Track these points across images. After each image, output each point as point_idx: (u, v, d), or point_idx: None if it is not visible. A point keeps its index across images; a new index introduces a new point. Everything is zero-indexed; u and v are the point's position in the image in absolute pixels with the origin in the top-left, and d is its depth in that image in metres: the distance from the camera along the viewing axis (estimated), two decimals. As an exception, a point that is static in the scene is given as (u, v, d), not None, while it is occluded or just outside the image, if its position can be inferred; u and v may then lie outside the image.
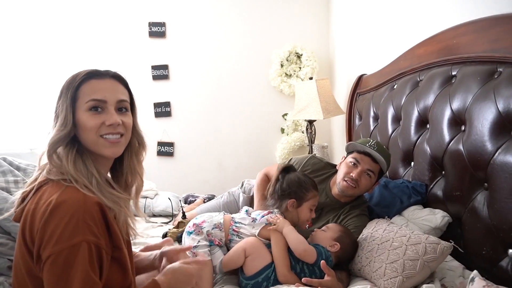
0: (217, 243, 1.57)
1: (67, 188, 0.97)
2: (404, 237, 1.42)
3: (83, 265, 0.90)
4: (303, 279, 1.41)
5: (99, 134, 1.06)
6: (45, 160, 1.05)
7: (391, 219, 1.76)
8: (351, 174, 1.75)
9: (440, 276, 1.38)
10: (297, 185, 1.61)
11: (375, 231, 1.57)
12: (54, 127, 1.04)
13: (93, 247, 0.93)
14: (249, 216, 1.63)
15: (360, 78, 2.75)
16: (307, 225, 1.67)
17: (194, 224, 1.61)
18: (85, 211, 0.94)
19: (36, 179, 1.05)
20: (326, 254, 1.49)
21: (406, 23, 2.17)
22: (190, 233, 1.59)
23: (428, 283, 1.31)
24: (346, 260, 1.56)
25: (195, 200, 2.63)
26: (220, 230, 1.59)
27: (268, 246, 1.55)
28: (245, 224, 1.60)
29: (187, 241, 1.59)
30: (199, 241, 1.55)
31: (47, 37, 3.14)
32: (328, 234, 1.57)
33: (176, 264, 1.19)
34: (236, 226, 1.60)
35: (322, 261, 1.43)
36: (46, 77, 3.11)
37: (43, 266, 0.90)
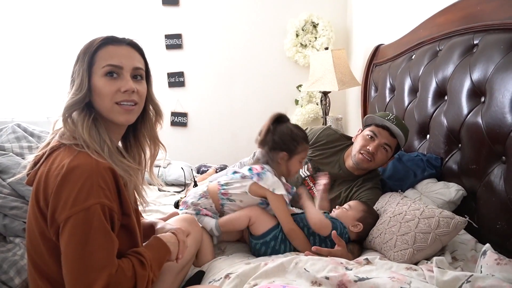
0: (204, 213, 1.57)
1: (80, 153, 0.98)
2: (417, 210, 1.40)
3: (101, 224, 0.93)
4: (312, 247, 1.42)
5: (114, 101, 1.06)
6: (59, 125, 1.07)
7: (404, 192, 1.74)
8: (367, 147, 1.73)
9: (452, 249, 1.37)
10: (289, 138, 1.57)
11: (388, 205, 1.56)
12: (70, 91, 1.05)
13: (107, 210, 0.96)
14: (238, 173, 1.60)
15: (377, 49, 2.67)
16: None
17: (182, 202, 1.63)
18: (98, 175, 0.95)
19: (48, 144, 1.06)
20: (342, 230, 1.49)
21: (427, -10, 2.07)
22: (181, 210, 1.61)
23: (439, 256, 1.30)
24: (364, 237, 1.56)
25: (208, 170, 2.65)
26: (206, 198, 1.59)
27: (260, 203, 1.56)
28: (232, 183, 1.58)
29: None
30: (185, 213, 1.56)
31: (62, 6, 3.11)
32: (350, 213, 1.55)
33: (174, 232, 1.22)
34: (224, 189, 1.58)
35: (333, 231, 1.44)
36: (61, 46, 3.11)
37: (62, 229, 0.92)
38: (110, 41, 1.08)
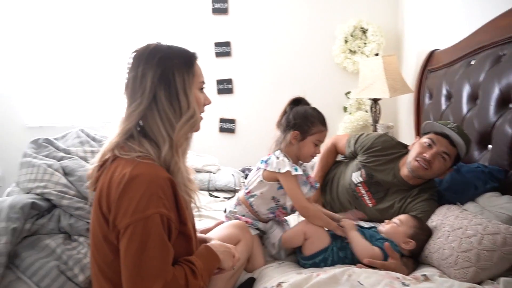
0: (244, 220, 1.58)
1: (141, 162, 1.01)
2: (479, 225, 1.32)
3: (159, 233, 0.96)
4: (364, 259, 1.38)
5: (201, 113, 1.13)
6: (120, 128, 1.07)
7: (463, 205, 1.66)
8: (424, 155, 1.67)
9: (520, 268, 1.28)
10: (302, 117, 1.55)
11: (446, 218, 1.48)
12: (175, 110, 1.05)
13: (165, 219, 0.98)
14: (257, 169, 1.62)
15: (431, 54, 2.57)
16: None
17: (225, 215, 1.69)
18: (157, 185, 0.98)
19: (108, 151, 1.08)
20: (393, 248, 1.43)
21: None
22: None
23: (506, 276, 1.21)
24: (418, 254, 1.49)
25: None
26: (240, 204, 1.63)
27: (279, 188, 1.55)
28: (251, 179, 1.61)
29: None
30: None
31: (115, 16, 3.27)
32: (401, 229, 1.48)
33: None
34: (247, 188, 1.61)
35: (386, 243, 1.39)
36: (114, 54, 3.27)
37: (122, 235, 0.96)
38: (197, 56, 1.14)
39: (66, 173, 1.56)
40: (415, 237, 1.46)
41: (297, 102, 1.62)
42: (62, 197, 1.46)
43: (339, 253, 1.47)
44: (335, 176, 2.08)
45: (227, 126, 3.39)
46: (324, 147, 2.06)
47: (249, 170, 2.72)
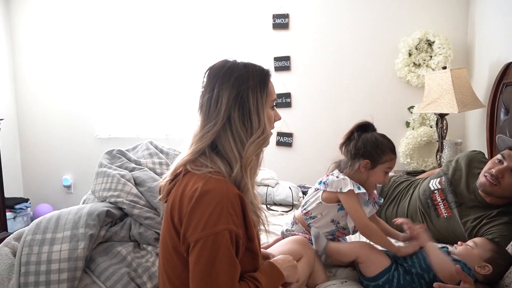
0: (308, 237, 1.57)
1: (211, 178, 1.02)
2: None
3: (228, 249, 0.97)
4: (434, 283, 1.30)
5: (272, 128, 1.13)
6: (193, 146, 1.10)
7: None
8: (491, 170, 1.61)
9: None
10: (373, 145, 1.49)
11: (530, 244, 1.36)
12: (247, 126, 1.06)
13: (234, 236, 0.99)
14: (315, 190, 1.60)
15: (508, 67, 2.40)
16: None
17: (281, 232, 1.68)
18: (228, 201, 0.99)
19: (181, 166, 1.10)
20: (467, 272, 1.33)
21: None
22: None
23: None
24: (495, 281, 1.38)
25: (307, 190, 2.64)
26: (296, 223, 1.62)
27: (340, 209, 1.51)
28: (310, 200, 1.58)
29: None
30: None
31: (181, 31, 3.43)
32: (476, 251, 1.37)
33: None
34: (305, 209, 1.59)
35: (457, 266, 1.29)
36: (178, 70, 3.42)
37: (192, 249, 0.98)
38: (270, 73, 1.15)
39: (137, 183, 1.64)
40: (492, 261, 1.34)
41: (365, 127, 1.56)
42: (133, 206, 1.54)
43: (406, 276, 1.39)
44: (409, 186, 2.02)
45: (284, 140, 3.40)
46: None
47: (305, 187, 2.70)
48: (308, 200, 1.61)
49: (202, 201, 0.98)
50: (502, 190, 1.61)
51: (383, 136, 1.55)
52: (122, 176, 1.62)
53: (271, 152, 3.39)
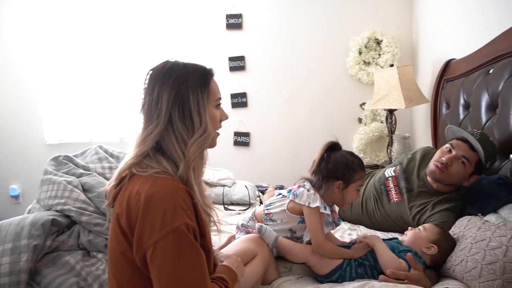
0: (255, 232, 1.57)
1: (157, 178, 1.00)
2: (503, 237, 1.28)
3: (191, 243, 0.96)
4: (388, 270, 1.36)
5: (217, 129, 1.14)
6: (137, 148, 1.08)
7: (484, 217, 1.61)
8: (441, 158, 1.72)
9: (548, 282, 1.23)
10: (344, 166, 1.51)
11: (467, 230, 1.45)
12: (189, 126, 1.05)
13: (191, 229, 0.98)
14: (280, 194, 1.63)
15: (448, 64, 2.54)
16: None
17: (236, 226, 1.70)
18: (178, 197, 0.98)
19: (126, 169, 1.08)
20: (416, 259, 1.41)
21: None
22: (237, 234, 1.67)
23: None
24: (441, 264, 1.46)
25: (266, 189, 2.67)
26: (253, 220, 1.64)
27: (300, 222, 1.54)
28: (274, 203, 1.60)
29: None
30: (239, 237, 1.59)
31: (132, 32, 3.35)
32: (424, 234, 1.48)
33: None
34: (267, 209, 1.61)
35: (409, 254, 1.36)
36: (130, 71, 3.34)
37: (152, 254, 0.94)
38: (213, 73, 1.15)
39: (85, 189, 1.59)
40: (437, 243, 1.44)
41: (333, 147, 1.58)
42: (81, 213, 1.48)
43: (358, 269, 1.44)
44: (366, 176, 2.11)
45: (242, 139, 3.40)
46: None
47: (262, 187, 2.72)
48: (273, 203, 1.62)
49: (151, 203, 0.96)
50: (449, 177, 1.71)
51: (352, 154, 1.58)
52: (69, 182, 1.56)
53: (229, 152, 3.40)
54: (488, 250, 1.28)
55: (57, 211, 1.49)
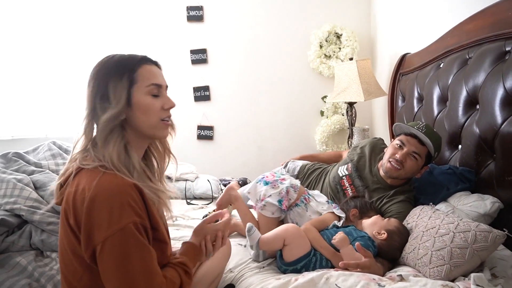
0: (284, 207, 1.68)
1: (105, 174, 0.99)
2: (451, 224, 1.36)
3: (138, 241, 0.96)
4: (340, 263, 1.40)
5: (160, 118, 1.11)
6: (80, 144, 1.08)
7: (436, 206, 1.69)
8: (395, 156, 1.76)
9: (490, 265, 1.31)
10: (362, 204, 1.73)
11: (420, 219, 1.52)
12: (102, 106, 1.05)
13: (140, 226, 0.98)
14: (323, 197, 1.80)
15: (403, 58, 2.63)
16: None
17: (274, 180, 1.73)
18: (126, 193, 0.97)
19: (72, 163, 1.07)
20: (370, 246, 1.46)
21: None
22: (267, 183, 1.72)
23: (477, 272, 1.25)
24: (388, 257, 1.51)
25: (229, 182, 2.67)
26: (295, 191, 1.72)
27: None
28: (317, 200, 1.75)
29: (258, 188, 1.72)
30: (271, 195, 1.67)
31: (89, 25, 3.22)
32: (383, 223, 1.57)
33: (200, 224, 1.28)
34: (308, 196, 1.75)
35: (357, 243, 1.40)
36: (89, 62, 3.21)
37: (100, 252, 0.94)
38: (146, 60, 1.12)
39: (37, 187, 1.52)
40: (389, 233, 1.50)
41: (356, 197, 1.82)
42: (33, 212, 1.42)
43: (323, 262, 1.47)
44: (321, 174, 2.13)
45: (205, 133, 3.38)
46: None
47: (225, 180, 2.72)
48: (317, 198, 1.78)
49: (98, 200, 0.95)
50: (405, 172, 1.77)
51: (371, 202, 1.80)
52: (19, 180, 1.49)
53: (192, 145, 3.36)
54: (437, 237, 1.35)
55: (6, 210, 1.42)
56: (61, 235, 1.05)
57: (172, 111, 1.17)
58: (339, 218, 1.70)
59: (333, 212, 1.71)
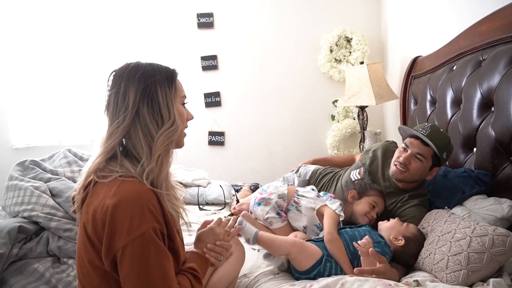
0: (284, 217, 1.73)
1: (123, 182, 1.00)
2: (468, 228, 1.34)
3: (158, 247, 0.97)
4: (354, 269, 1.38)
5: (185, 127, 1.15)
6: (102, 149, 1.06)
7: (451, 209, 1.67)
8: (399, 158, 1.76)
9: (510, 270, 1.29)
10: (362, 184, 1.77)
11: (435, 223, 1.50)
12: (157, 120, 1.05)
13: (159, 232, 0.99)
14: (314, 192, 1.79)
15: (415, 61, 2.61)
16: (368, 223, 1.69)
17: (262, 198, 1.77)
18: (146, 199, 0.98)
19: (91, 173, 1.06)
20: (387, 253, 1.44)
21: (466, -1, 2.02)
22: (258, 204, 1.76)
23: (496, 277, 1.22)
24: (402, 262, 1.50)
25: (241, 188, 2.67)
26: (284, 200, 1.75)
27: (317, 227, 1.69)
28: (307, 197, 1.75)
29: (256, 211, 1.77)
30: (267, 212, 1.72)
31: (102, 32, 3.26)
32: (401, 228, 1.54)
33: (198, 234, 1.28)
34: (298, 198, 1.76)
35: (371, 249, 1.38)
36: (102, 71, 3.26)
37: (121, 258, 0.95)
38: (177, 72, 1.15)
39: (53, 194, 1.54)
40: (407, 240, 1.48)
41: None
42: (50, 219, 1.44)
43: (338, 268, 1.46)
44: (333, 178, 2.12)
45: (216, 139, 3.39)
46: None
47: (237, 186, 2.73)
48: (306, 196, 1.77)
49: (119, 207, 0.95)
50: (411, 175, 1.76)
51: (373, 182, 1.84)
52: (36, 188, 1.51)
53: (203, 152, 3.38)
54: (454, 242, 1.33)
55: (24, 217, 1.44)
56: (79, 245, 1.06)
57: None
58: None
59: (324, 206, 1.71)
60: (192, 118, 1.18)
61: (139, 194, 0.98)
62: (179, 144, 1.15)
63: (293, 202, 1.75)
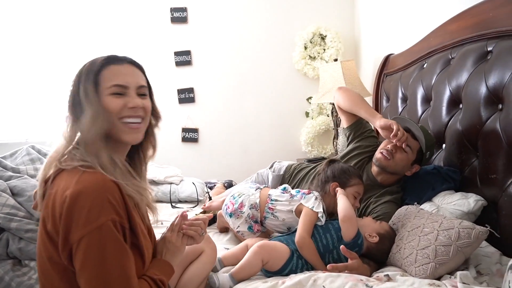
0: (256, 230, 1.65)
1: (85, 172, 0.97)
2: (435, 222, 1.36)
3: (116, 241, 0.93)
4: (328, 266, 1.38)
5: (119, 116, 1.05)
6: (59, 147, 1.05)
7: (420, 205, 1.70)
8: (387, 146, 1.77)
9: (475, 262, 1.32)
10: (340, 171, 1.66)
11: (405, 219, 1.52)
12: (75, 113, 1.04)
13: (118, 225, 0.95)
14: (287, 193, 1.69)
15: (387, 58, 2.65)
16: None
17: (233, 209, 1.68)
18: (106, 190, 0.95)
19: (50, 167, 1.04)
20: (359, 243, 1.45)
21: (436, -2, 2.06)
22: (230, 215, 1.69)
23: (462, 270, 1.25)
24: (375, 259, 1.51)
25: (214, 185, 2.64)
26: (256, 210, 1.66)
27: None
28: (281, 201, 1.66)
29: (228, 221, 1.71)
30: (239, 225, 1.65)
31: (72, 24, 3.16)
32: (376, 226, 1.54)
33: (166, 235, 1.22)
34: (272, 204, 1.67)
35: (342, 246, 1.39)
36: (71, 65, 3.15)
37: (76, 250, 0.91)
38: (112, 60, 1.08)
39: (14, 193, 1.47)
40: (382, 237, 1.49)
41: (332, 161, 1.74)
42: (10, 219, 1.37)
43: (308, 264, 1.46)
44: (309, 174, 2.11)
45: (190, 135, 3.35)
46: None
47: (211, 183, 2.69)
48: (279, 200, 1.66)
49: (78, 198, 0.92)
50: (394, 164, 1.76)
51: (350, 166, 1.74)
52: (-5, 186, 1.44)
53: (177, 148, 3.33)
54: (422, 236, 1.35)
55: (-19, 218, 1.37)
56: (39, 242, 1.01)
57: None
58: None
59: (300, 205, 1.63)
60: (134, 105, 1.07)
61: (100, 184, 0.94)
62: (122, 138, 1.07)
63: (268, 209, 1.66)
